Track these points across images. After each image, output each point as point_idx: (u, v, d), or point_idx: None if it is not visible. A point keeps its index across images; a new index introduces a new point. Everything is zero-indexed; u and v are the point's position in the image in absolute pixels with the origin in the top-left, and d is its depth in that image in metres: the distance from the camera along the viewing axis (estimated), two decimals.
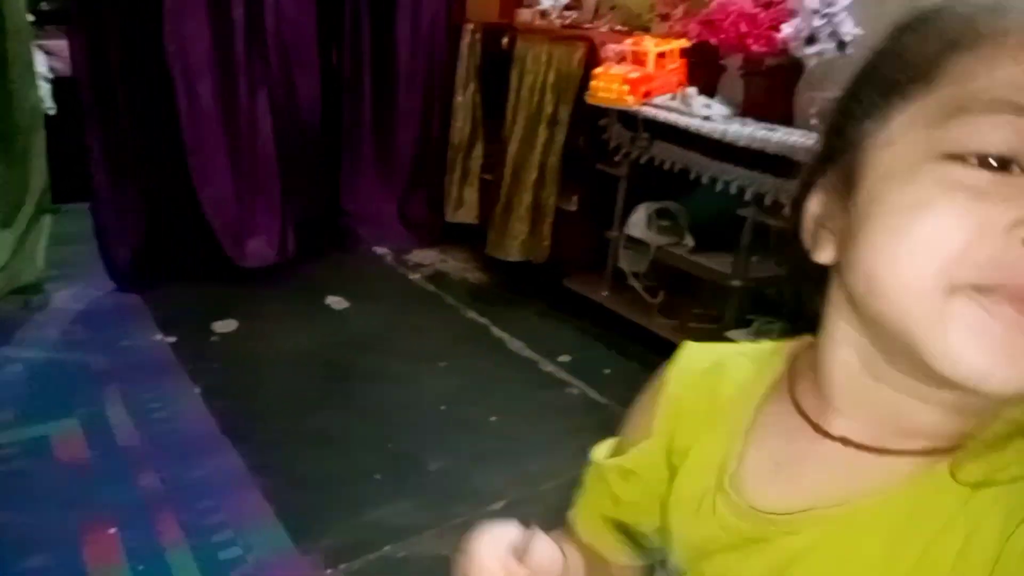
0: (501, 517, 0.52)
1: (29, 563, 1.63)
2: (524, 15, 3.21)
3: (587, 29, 2.97)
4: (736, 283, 2.38)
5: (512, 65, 3.07)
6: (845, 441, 0.45)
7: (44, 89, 2.99)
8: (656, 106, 2.52)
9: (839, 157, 0.45)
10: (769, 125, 2.27)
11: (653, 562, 0.58)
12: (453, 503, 1.90)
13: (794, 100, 2.40)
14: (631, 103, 2.55)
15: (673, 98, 2.52)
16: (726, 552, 0.49)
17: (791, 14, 2.29)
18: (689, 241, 2.63)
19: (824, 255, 0.45)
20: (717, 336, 2.38)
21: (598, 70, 2.64)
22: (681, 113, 2.44)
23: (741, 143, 2.20)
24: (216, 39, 2.95)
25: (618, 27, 2.96)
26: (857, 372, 0.45)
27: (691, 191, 2.58)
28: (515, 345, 2.79)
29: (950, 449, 0.41)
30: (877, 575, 0.42)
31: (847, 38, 2.18)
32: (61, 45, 3.11)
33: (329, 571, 1.68)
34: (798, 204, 0.48)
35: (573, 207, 3.00)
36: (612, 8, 3.09)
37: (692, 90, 2.51)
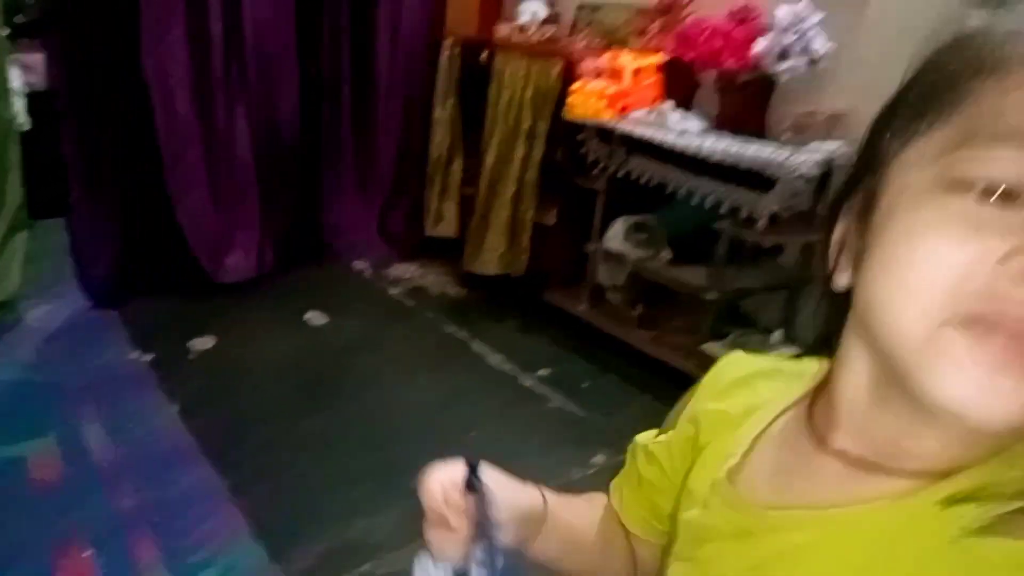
0: None
1: None
2: (503, 30, 3.23)
3: (565, 44, 3.00)
4: (712, 295, 2.41)
5: (491, 80, 3.09)
6: (841, 455, 0.46)
7: (19, 104, 2.96)
8: (633, 121, 2.55)
9: (865, 180, 0.44)
10: (743, 138, 2.31)
11: (661, 544, 0.62)
12: None
13: (767, 114, 2.45)
14: (608, 118, 2.58)
15: (649, 113, 2.55)
16: (719, 541, 0.51)
17: (764, 30, 2.34)
18: (666, 254, 2.66)
19: (842, 279, 0.45)
20: (693, 348, 2.41)
21: (575, 85, 2.67)
22: (657, 128, 2.47)
23: (715, 158, 2.24)
24: (194, 53, 2.94)
25: (595, 42, 2.99)
26: (864, 393, 0.45)
27: (668, 205, 2.61)
28: (494, 359, 2.79)
29: (945, 474, 0.41)
30: None
31: (817, 55, 2.22)
32: (36, 59, 3.08)
33: None
34: (828, 229, 0.48)
35: (551, 221, 3.02)
36: (589, 24, 3.12)
37: (668, 105, 2.55)
